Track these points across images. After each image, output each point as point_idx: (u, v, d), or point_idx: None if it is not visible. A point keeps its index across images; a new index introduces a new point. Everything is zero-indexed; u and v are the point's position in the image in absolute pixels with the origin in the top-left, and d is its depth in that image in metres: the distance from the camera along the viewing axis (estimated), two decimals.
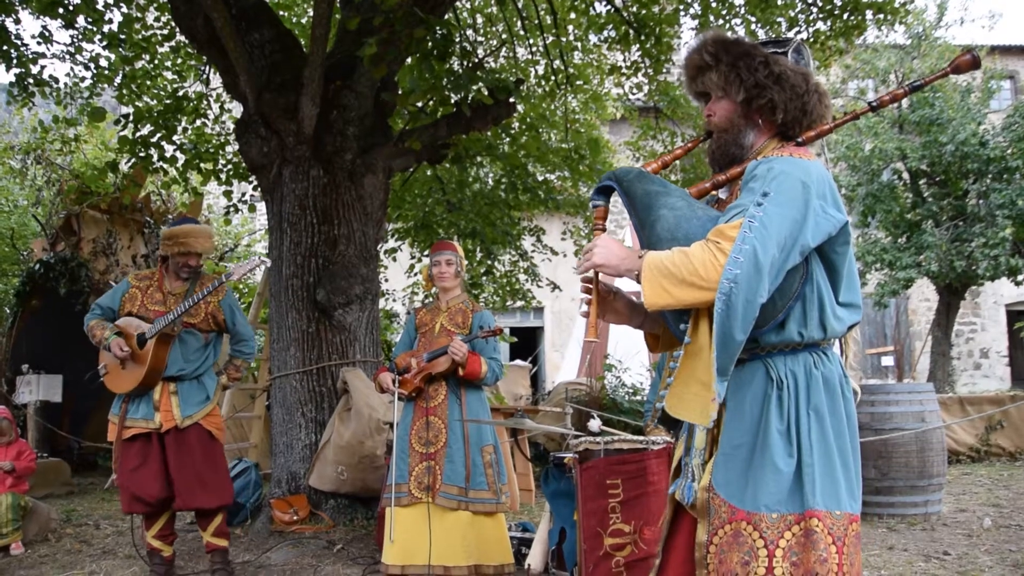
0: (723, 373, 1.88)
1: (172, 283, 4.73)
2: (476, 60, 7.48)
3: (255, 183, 7.42)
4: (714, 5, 8.19)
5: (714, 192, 2.24)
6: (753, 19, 8.05)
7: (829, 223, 1.95)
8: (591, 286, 2.13)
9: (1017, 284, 13.98)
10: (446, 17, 7.03)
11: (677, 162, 2.27)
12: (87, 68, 8.17)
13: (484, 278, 10.82)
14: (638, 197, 2.08)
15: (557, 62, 9.07)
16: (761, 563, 1.88)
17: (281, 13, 8.62)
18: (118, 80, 8.37)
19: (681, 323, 2.01)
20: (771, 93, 2.08)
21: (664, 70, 8.90)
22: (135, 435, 4.54)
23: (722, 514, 1.95)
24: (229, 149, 9.04)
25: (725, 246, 1.85)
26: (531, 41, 9.48)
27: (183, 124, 8.66)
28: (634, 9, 8.27)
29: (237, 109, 7.53)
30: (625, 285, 2.26)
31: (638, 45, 8.50)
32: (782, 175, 1.94)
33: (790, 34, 8.12)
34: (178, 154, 8.54)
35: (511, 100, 7.06)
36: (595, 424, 4.27)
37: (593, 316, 2.10)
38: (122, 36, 7.77)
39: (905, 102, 14.68)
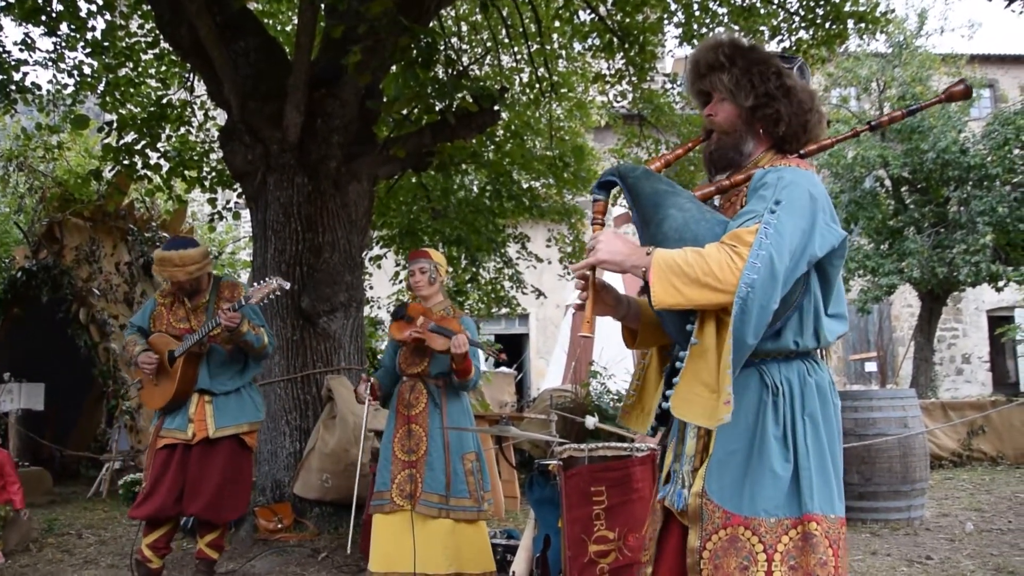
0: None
1: (192, 298, 4.67)
2: (461, 68, 7.51)
3: (239, 190, 7.40)
4: (697, 14, 8.26)
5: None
6: (736, 28, 8.10)
7: (833, 236, 1.98)
8: (586, 282, 2.06)
9: (998, 290, 14.11)
10: (431, 25, 7.04)
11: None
12: (70, 75, 8.15)
13: (469, 285, 10.82)
14: (645, 195, 2.05)
15: (541, 70, 9.10)
16: (760, 567, 1.90)
17: (266, 21, 8.61)
18: (101, 87, 8.34)
19: (687, 324, 1.99)
20: (778, 105, 2.09)
21: (648, 78, 8.95)
22: (165, 445, 4.55)
23: (715, 519, 1.95)
24: (213, 156, 9.01)
25: (742, 250, 1.86)
26: (515, 49, 9.52)
27: (167, 131, 8.63)
28: (618, 18, 8.32)
29: (221, 117, 7.51)
30: (611, 280, 2.24)
31: (622, 53, 8.55)
32: (792, 185, 1.96)
33: (773, 43, 8.18)
34: (162, 161, 8.50)
35: (495, 108, 7.08)
36: (591, 421, 4.28)
37: (589, 312, 2.05)
38: (105, 43, 7.75)
39: (887, 108, 14.85)
